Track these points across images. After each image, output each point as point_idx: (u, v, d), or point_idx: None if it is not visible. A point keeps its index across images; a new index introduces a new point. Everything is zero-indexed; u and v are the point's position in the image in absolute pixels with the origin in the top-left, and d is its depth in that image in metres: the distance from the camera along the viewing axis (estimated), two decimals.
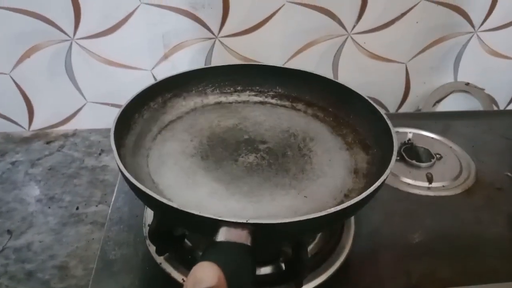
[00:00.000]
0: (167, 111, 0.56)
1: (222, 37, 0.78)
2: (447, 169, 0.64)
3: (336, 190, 0.46)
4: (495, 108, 0.92)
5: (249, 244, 0.33)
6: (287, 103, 0.60)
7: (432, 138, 0.71)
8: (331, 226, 0.40)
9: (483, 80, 0.90)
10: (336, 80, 0.57)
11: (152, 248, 0.49)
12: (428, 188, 0.61)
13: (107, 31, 0.76)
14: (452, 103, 0.91)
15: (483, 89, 0.90)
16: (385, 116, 0.49)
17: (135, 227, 0.53)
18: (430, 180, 0.62)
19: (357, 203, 0.37)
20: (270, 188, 0.45)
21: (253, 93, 0.61)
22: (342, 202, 0.44)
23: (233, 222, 0.34)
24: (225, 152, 0.50)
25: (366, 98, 0.52)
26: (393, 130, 0.47)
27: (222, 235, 0.34)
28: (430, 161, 0.64)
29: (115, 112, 0.47)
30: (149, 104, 0.54)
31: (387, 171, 0.41)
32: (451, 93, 0.91)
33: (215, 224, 0.35)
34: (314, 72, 0.58)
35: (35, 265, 0.59)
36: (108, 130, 0.45)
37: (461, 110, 0.87)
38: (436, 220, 0.55)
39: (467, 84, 0.90)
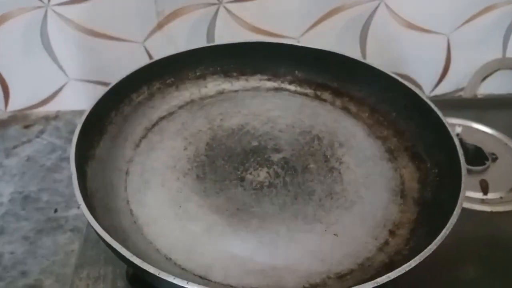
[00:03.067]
0: (155, 105, 0.44)
1: (227, 2, 0.65)
2: (505, 174, 0.52)
3: (377, 224, 0.34)
4: None
5: None
6: (309, 91, 0.47)
7: (483, 132, 0.58)
8: None
9: None
10: (374, 65, 0.43)
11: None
12: (483, 201, 0.49)
13: None
14: (498, 83, 0.78)
15: None
16: (444, 120, 0.36)
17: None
18: (484, 189, 0.50)
19: (417, 265, 0.26)
20: (288, 220, 0.34)
21: (266, 78, 0.48)
22: (387, 243, 0.32)
23: None
24: (228, 167, 0.38)
25: (418, 93, 0.39)
26: (457, 139, 0.35)
27: None
28: (484, 163, 0.52)
29: (102, 91, 0.36)
30: (131, 97, 0.42)
31: (456, 210, 0.29)
32: (497, 70, 0.78)
33: None
34: (345, 54, 0.45)
35: (4, 284, 0.50)
36: None
37: None
38: (496, 247, 0.44)
39: None
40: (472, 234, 0.45)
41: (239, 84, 0.48)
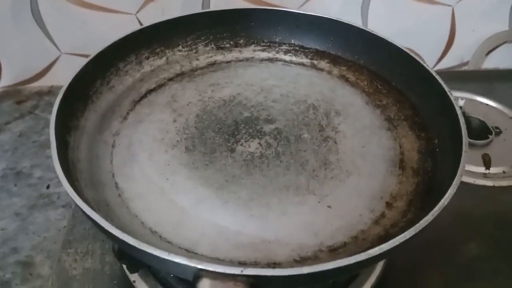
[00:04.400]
0: (143, 77, 0.42)
1: None
2: (508, 148, 0.50)
3: (373, 195, 0.32)
4: None
5: None
6: (305, 60, 0.45)
7: (487, 105, 0.56)
8: (368, 267, 0.27)
9: None
10: (376, 33, 0.41)
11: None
12: (485, 175, 0.47)
13: None
14: (504, 57, 0.75)
15: None
16: (446, 88, 0.34)
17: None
18: (487, 163, 0.48)
19: (412, 237, 0.24)
20: (279, 192, 0.32)
21: (260, 48, 0.46)
22: (383, 215, 0.31)
23: (221, 273, 0.22)
24: (218, 138, 0.36)
25: (419, 60, 0.37)
26: (458, 108, 0.33)
27: None
28: (487, 137, 0.50)
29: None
30: (118, 66, 0.40)
31: (453, 186, 0.27)
32: (503, 43, 0.75)
33: (194, 274, 0.22)
34: (345, 21, 0.42)
35: None
36: None
37: None
38: (500, 223, 0.42)
39: None
40: (474, 209, 0.44)
41: (232, 55, 0.46)
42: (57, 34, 0.68)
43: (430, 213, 0.25)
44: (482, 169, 0.48)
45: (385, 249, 0.23)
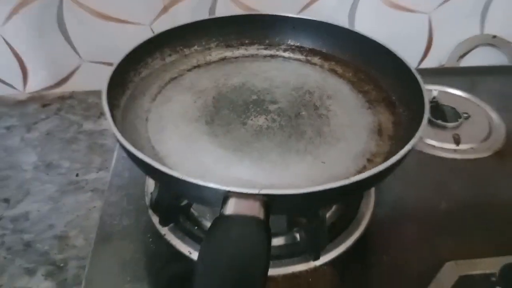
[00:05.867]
0: (167, 69, 0.50)
1: None
2: (475, 129, 0.59)
3: (358, 154, 0.41)
4: None
5: (261, 217, 0.29)
6: (301, 57, 0.54)
7: (458, 96, 0.65)
8: (352, 196, 0.35)
9: (510, 33, 0.82)
10: (358, 31, 0.50)
11: (155, 218, 0.45)
12: (455, 151, 0.55)
13: None
14: (477, 58, 0.84)
15: (510, 42, 0.82)
16: (414, 71, 0.43)
17: (137, 195, 0.49)
18: (457, 141, 0.56)
19: (383, 171, 0.32)
20: (283, 153, 0.40)
21: (262, 47, 0.55)
22: (364, 168, 0.39)
23: (243, 193, 0.30)
24: (232, 114, 0.44)
25: (392, 50, 0.46)
26: (423, 85, 0.41)
27: (231, 207, 0.29)
28: (457, 120, 0.59)
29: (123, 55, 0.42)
30: (147, 61, 0.49)
31: (419, 133, 0.35)
32: (476, 47, 0.84)
33: (223, 196, 0.30)
34: (332, 23, 0.51)
35: (33, 235, 0.56)
36: None
37: (489, 65, 0.80)
38: (464, 186, 0.51)
39: (494, 37, 0.82)
40: (446, 177, 0.52)
41: (239, 52, 0.54)
42: (79, 44, 0.75)
43: (392, 158, 0.32)
44: (453, 146, 0.56)
45: (350, 181, 0.31)
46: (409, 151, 0.34)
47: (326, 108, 0.46)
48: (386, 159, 0.39)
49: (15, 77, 0.78)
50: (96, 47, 0.77)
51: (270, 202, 0.30)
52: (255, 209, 0.29)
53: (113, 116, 0.39)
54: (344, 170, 0.39)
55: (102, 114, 0.76)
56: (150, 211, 0.46)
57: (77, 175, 0.65)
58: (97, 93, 0.80)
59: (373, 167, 0.37)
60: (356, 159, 0.40)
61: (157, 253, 0.43)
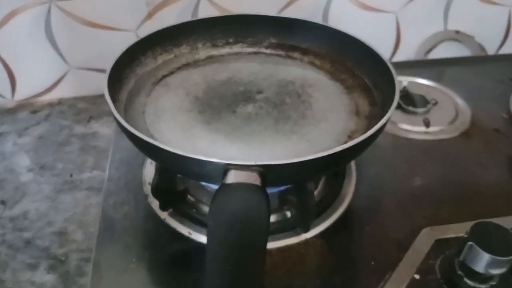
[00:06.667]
0: (158, 67, 0.54)
1: None
2: (443, 113, 0.64)
3: (339, 132, 0.45)
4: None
5: (259, 184, 0.33)
6: (281, 53, 0.58)
7: (427, 85, 0.70)
8: (338, 166, 0.39)
9: (472, 28, 0.89)
10: (332, 26, 0.55)
11: (155, 205, 0.49)
12: (426, 133, 0.61)
13: None
14: (443, 52, 0.90)
15: (472, 37, 0.89)
16: (384, 58, 0.48)
17: (135, 186, 0.52)
18: (427, 124, 0.62)
19: (364, 140, 0.37)
20: (271, 135, 0.44)
21: (246, 45, 0.59)
22: (346, 143, 0.43)
23: (241, 165, 0.34)
24: (222, 104, 0.48)
25: (364, 41, 0.51)
26: (394, 70, 0.46)
27: (231, 177, 0.33)
28: (426, 106, 0.64)
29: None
30: (140, 59, 0.52)
31: (392, 109, 0.40)
32: (441, 42, 0.90)
33: (223, 169, 0.34)
34: (309, 20, 0.56)
35: (32, 232, 0.58)
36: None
37: (454, 57, 0.86)
38: (435, 163, 0.56)
39: (457, 32, 0.89)
40: (418, 155, 0.57)
41: (224, 50, 0.59)
42: (66, 51, 0.77)
43: (369, 131, 0.37)
44: (423, 129, 0.61)
45: (327, 154, 0.35)
46: (384, 125, 0.39)
47: (308, 95, 0.50)
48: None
49: (3, 86, 0.80)
50: (83, 53, 0.79)
51: (265, 172, 0.34)
52: (253, 178, 0.33)
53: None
54: (327, 146, 0.43)
55: (92, 117, 0.79)
56: (150, 199, 0.49)
57: (71, 175, 0.67)
58: (86, 99, 0.83)
59: None
60: (338, 137, 0.45)
61: (159, 236, 0.46)
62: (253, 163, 0.34)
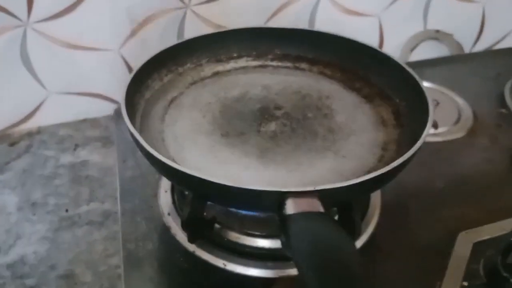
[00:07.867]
0: (166, 89, 0.50)
1: (194, 5, 0.72)
2: (446, 113, 0.65)
3: (371, 144, 0.44)
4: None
5: (323, 211, 0.30)
6: (289, 64, 0.57)
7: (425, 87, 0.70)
8: (389, 181, 0.38)
9: (450, 26, 0.91)
10: (339, 34, 0.54)
11: (180, 237, 0.45)
12: (435, 134, 0.61)
13: (64, 11, 0.67)
14: (423, 52, 0.92)
15: (451, 35, 0.92)
16: (402, 63, 0.47)
17: (153, 218, 0.48)
18: (435, 125, 0.62)
19: (415, 153, 0.36)
20: (305, 154, 0.42)
21: (251, 58, 0.57)
22: (383, 156, 0.42)
23: (300, 192, 0.31)
24: (243, 124, 0.46)
25: (377, 48, 0.50)
26: (417, 76, 0.46)
27: (291, 207, 0.31)
28: None
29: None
30: (147, 83, 0.49)
31: (430, 115, 0.39)
32: (421, 41, 0.92)
33: (279, 198, 0.32)
34: (317, 30, 0.55)
35: (36, 279, 0.53)
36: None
37: (443, 56, 0.88)
38: (451, 165, 0.56)
39: (437, 31, 0.91)
40: (433, 160, 0.57)
41: (230, 65, 0.56)
42: (44, 75, 0.71)
43: (412, 149, 0.36)
44: (432, 130, 0.61)
45: (401, 161, 0.34)
46: (426, 132, 0.38)
47: (328, 108, 0.49)
48: (398, 145, 0.43)
49: None
50: (62, 77, 0.74)
51: (324, 196, 0.32)
52: (315, 204, 0.31)
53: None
54: (364, 160, 0.42)
55: (77, 145, 0.74)
56: (173, 230, 0.46)
57: (67, 210, 0.62)
58: (68, 125, 0.77)
59: (389, 155, 0.41)
60: (372, 149, 0.43)
61: (191, 271, 0.43)
62: (311, 188, 0.31)
